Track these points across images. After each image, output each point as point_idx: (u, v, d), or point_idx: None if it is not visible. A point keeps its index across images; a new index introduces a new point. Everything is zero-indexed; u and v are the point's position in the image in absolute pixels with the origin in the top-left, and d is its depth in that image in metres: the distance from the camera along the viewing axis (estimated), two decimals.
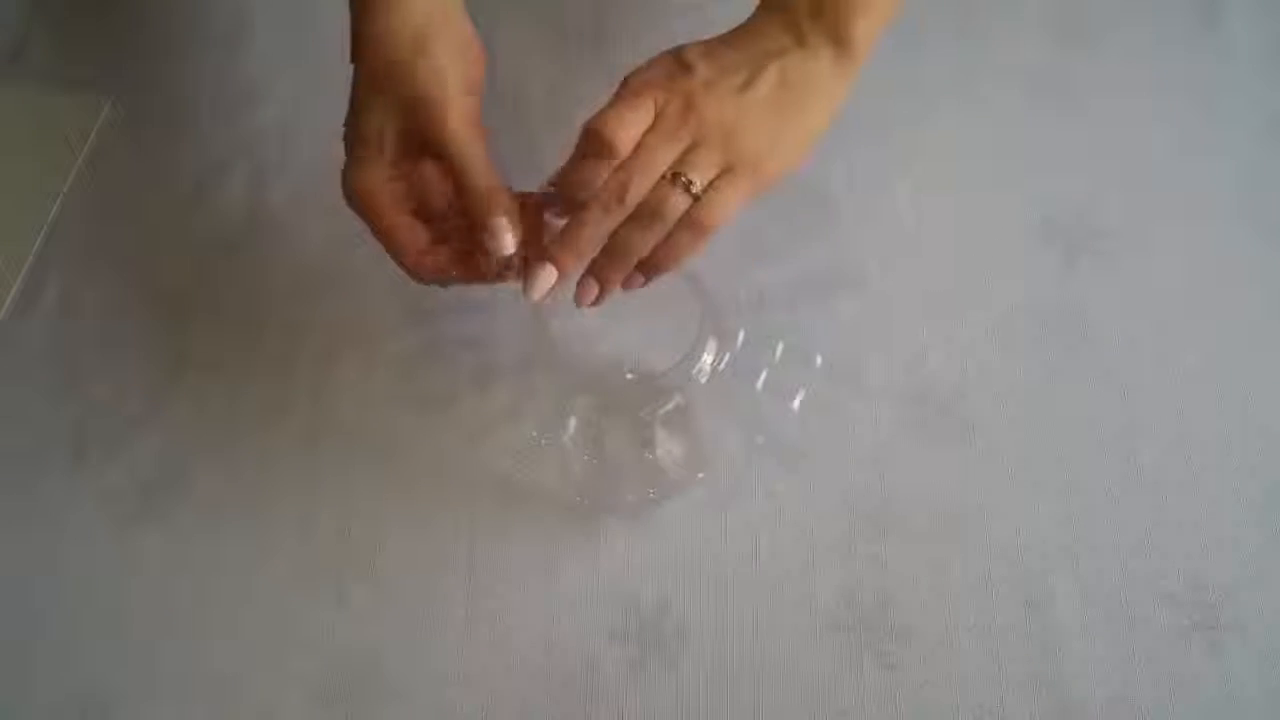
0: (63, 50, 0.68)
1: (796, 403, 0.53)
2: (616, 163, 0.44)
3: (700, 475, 0.52)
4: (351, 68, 0.46)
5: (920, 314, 0.56)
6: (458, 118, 0.44)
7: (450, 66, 0.45)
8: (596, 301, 0.45)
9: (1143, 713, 0.48)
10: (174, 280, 0.60)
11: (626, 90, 0.45)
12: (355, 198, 0.45)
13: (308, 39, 0.67)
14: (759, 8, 0.48)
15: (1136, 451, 0.53)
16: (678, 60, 0.46)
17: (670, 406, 0.51)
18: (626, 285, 0.45)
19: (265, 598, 0.52)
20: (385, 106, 0.45)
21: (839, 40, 0.46)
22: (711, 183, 0.44)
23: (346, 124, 0.46)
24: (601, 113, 0.44)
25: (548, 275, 0.44)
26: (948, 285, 0.57)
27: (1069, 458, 0.53)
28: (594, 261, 0.45)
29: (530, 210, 0.45)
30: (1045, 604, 0.50)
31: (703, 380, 0.50)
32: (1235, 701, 0.48)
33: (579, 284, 0.45)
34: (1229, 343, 0.55)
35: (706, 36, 0.47)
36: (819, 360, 0.54)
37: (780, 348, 0.53)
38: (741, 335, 0.52)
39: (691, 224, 0.44)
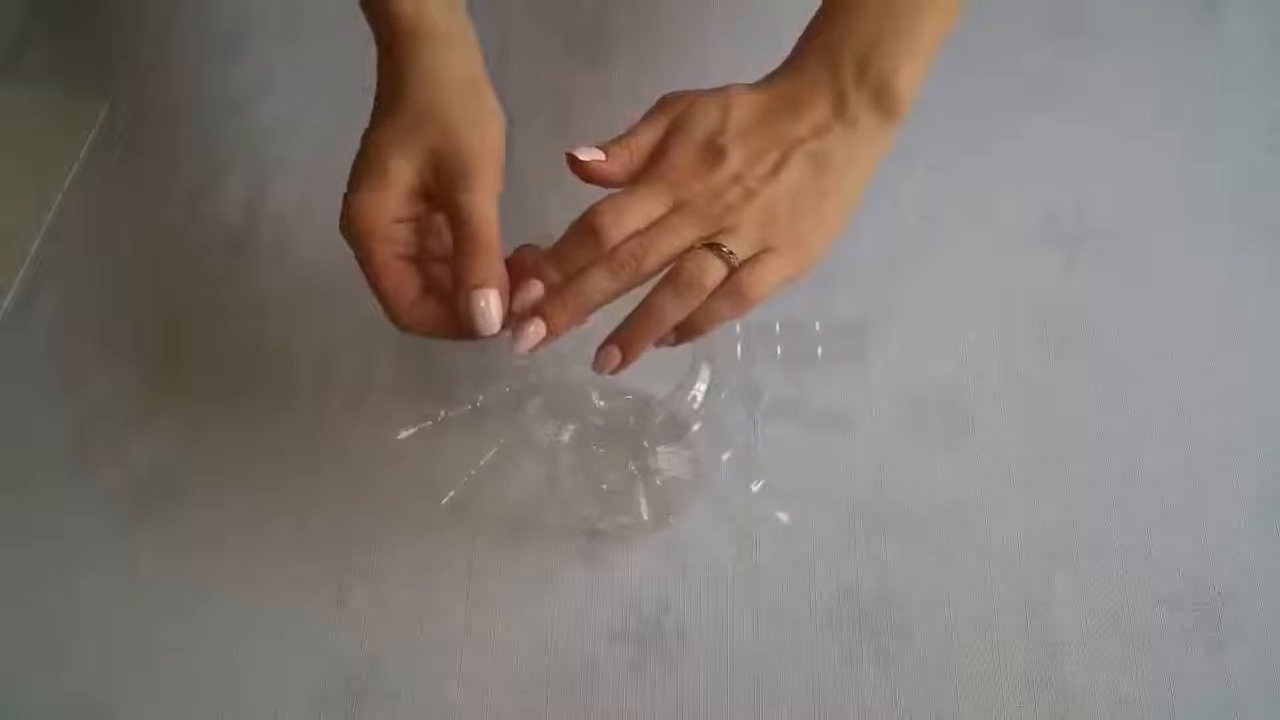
0: (63, 50, 0.68)
1: (795, 426, 0.53)
2: (603, 253, 0.42)
3: (695, 507, 0.52)
4: (368, 95, 0.45)
5: (921, 313, 0.56)
6: (484, 181, 0.43)
7: (489, 124, 0.44)
8: (619, 369, 0.44)
9: (1143, 713, 0.48)
10: (173, 281, 0.60)
11: (649, 177, 0.44)
12: (355, 230, 0.43)
13: (308, 40, 0.67)
14: (805, 60, 0.47)
15: (1136, 451, 0.53)
16: (710, 145, 0.45)
17: (668, 436, 0.51)
18: (655, 344, 0.44)
19: (265, 599, 0.52)
20: (414, 145, 0.43)
21: (883, 96, 0.45)
22: (752, 257, 0.43)
23: (362, 154, 0.45)
24: (604, 200, 0.43)
25: (536, 331, 0.42)
26: (948, 285, 0.57)
27: (1069, 458, 0.53)
28: (621, 327, 0.43)
29: (517, 269, 0.44)
30: (1045, 604, 0.50)
31: (695, 407, 0.50)
32: (1235, 702, 0.48)
33: (600, 351, 0.44)
34: (1229, 343, 0.55)
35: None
36: (817, 325, 0.54)
37: (778, 327, 0.53)
38: (739, 348, 0.52)
39: (731, 293, 0.43)
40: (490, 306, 0.42)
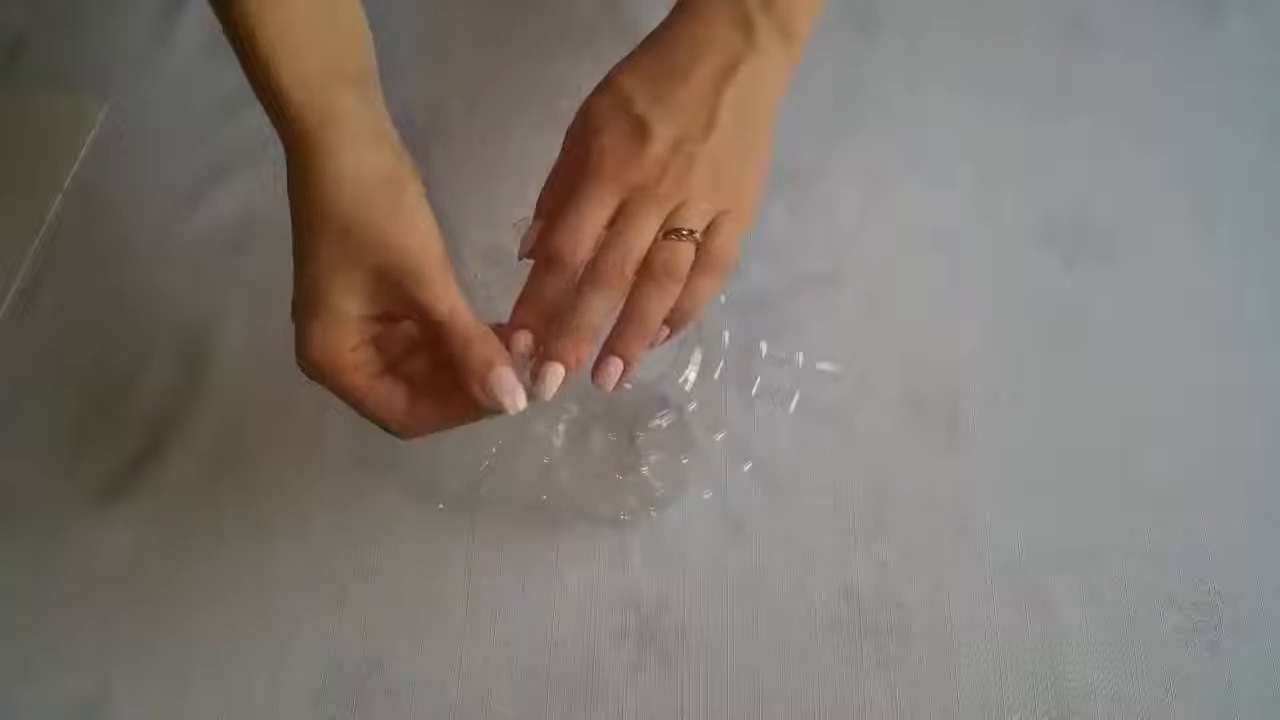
0: (63, 51, 0.68)
1: (792, 405, 0.53)
2: (570, 275, 0.41)
3: (691, 489, 0.52)
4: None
5: (920, 314, 0.56)
6: (443, 279, 0.41)
7: (421, 223, 0.41)
8: (624, 379, 0.42)
9: (1143, 713, 0.48)
10: (173, 281, 0.60)
11: (587, 186, 0.42)
12: (322, 370, 0.41)
13: None
14: (698, 2, 0.45)
15: (1136, 451, 0.53)
16: (630, 120, 0.43)
17: (662, 419, 0.51)
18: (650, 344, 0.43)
19: (266, 598, 0.52)
20: (356, 272, 0.41)
21: (789, 35, 0.44)
22: (711, 226, 0.42)
23: (299, 283, 0.41)
24: (557, 227, 0.42)
25: (556, 375, 0.41)
26: (948, 285, 0.57)
27: (1069, 458, 0.53)
28: (613, 336, 0.42)
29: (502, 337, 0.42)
30: (1045, 604, 0.50)
31: (687, 389, 0.50)
32: (1235, 702, 0.48)
33: (598, 369, 0.42)
34: (1229, 343, 0.55)
35: None
36: (800, 358, 0.54)
37: (764, 347, 0.53)
38: (726, 335, 0.52)
39: (708, 267, 0.42)
40: (513, 382, 0.41)
